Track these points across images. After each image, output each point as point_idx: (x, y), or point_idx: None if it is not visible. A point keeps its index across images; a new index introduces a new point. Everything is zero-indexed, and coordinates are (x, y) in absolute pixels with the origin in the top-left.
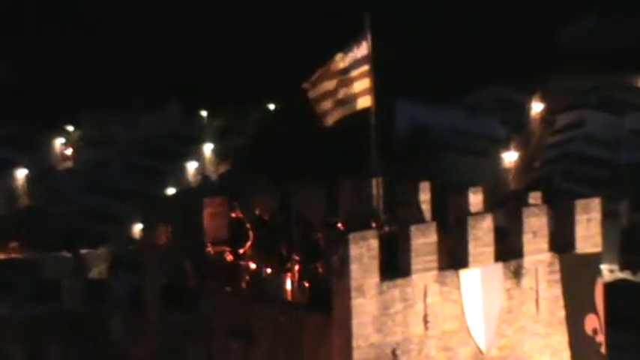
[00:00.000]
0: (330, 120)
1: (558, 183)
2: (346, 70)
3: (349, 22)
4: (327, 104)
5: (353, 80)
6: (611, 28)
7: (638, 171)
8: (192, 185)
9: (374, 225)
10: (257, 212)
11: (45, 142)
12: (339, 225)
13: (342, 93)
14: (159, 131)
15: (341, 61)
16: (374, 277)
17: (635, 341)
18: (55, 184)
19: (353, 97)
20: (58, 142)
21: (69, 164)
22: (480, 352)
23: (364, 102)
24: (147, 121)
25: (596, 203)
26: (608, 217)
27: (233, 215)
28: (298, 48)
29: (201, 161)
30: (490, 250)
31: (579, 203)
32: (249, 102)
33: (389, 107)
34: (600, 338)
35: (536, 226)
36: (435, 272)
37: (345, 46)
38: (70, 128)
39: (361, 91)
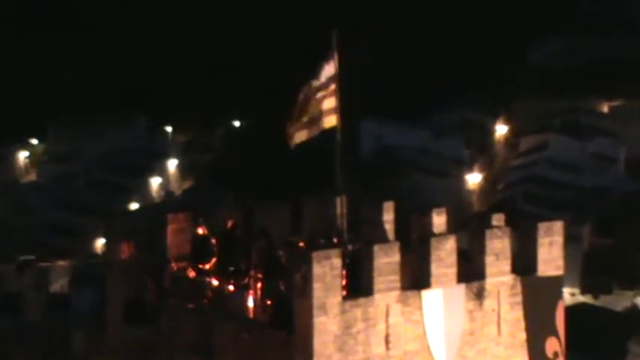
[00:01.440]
0: (296, 139)
1: (521, 205)
2: (316, 90)
3: (317, 42)
4: (296, 125)
5: (321, 100)
6: (578, 49)
7: (600, 195)
8: (156, 201)
9: (337, 244)
10: (221, 229)
11: (9, 155)
12: (302, 243)
13: (309, 113)
14: (123, 146)
15: (314, 81)
16: (336, 296)
17: None
18: (18, 198)
19: (320, 117)
20: (22, 155)
21: (32, 177)
22: None
23: (330, 121)
24: (112, 135)
25: (558, 226)
26: (571, 240)
27: (199, 231)
28: (265, 66)
29: (165, 177)
30: (453, 271)
31: (542, 226)
32: (213, 118)
33: (354, 126)
34: None
35: (498, 248)
36: (397, 292)
37: (317, 66)
38: (35, 142)
39: (328, 110)
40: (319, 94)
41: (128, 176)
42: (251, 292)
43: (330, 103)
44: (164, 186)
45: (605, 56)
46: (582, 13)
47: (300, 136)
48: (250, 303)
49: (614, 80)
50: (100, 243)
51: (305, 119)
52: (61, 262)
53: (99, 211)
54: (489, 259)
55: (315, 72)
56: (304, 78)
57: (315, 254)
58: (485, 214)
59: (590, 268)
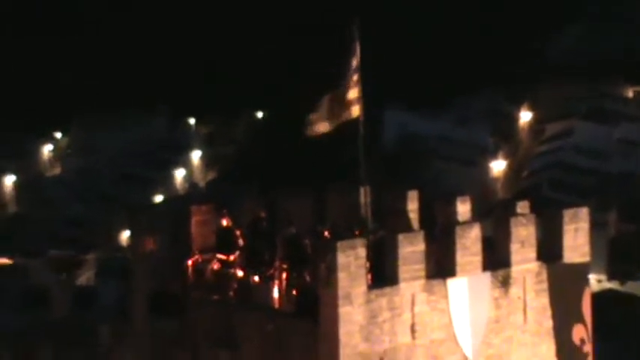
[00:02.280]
0: (321, 130)
1: (546, 192)
2: (341, 81)
3: (339, 31)
4: (321, 115)
5: (345, 90)
6: (599, 38)
7: (626, 181)
8: (180, 193)
9: (361, 233)
10: (246, 220)
11: (33, 149)
12: (326, 233)
13: (336, 104)
14: (147, 139)
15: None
16: (361, 286)
17: (622, 352)
18: (43, 192)
19: (345, 107)
20: (46, 149)
21: (57, 171)
22: None
23: (355, 111)
24: (135, 128)
25: (584, 213)
26: (596, 226)
27: (223, 223)
28: (288, 56)
29: (189, 169)
30: (478, 259)
31: (567, 213)
32: (237, 109)
33: (377, 116)
34: (587, 348)
35: (523, 235)
36: (422, 281)
37: (342, 57)
38: (59, 135)
39: (352, 101)
40: (347, 83)
41: (152, 169)
42: (276, 282)
43: (353, 93)
44: (188, 178)
45: (628, 44)
46: (602, 1)
47: (324, 126)
48: (275, 294)
49: (637, 66)
50: (124, 236)
51: (330, 110)
52: (86, 256)
53: (123, 204)
54: (515, 247)
55: (339, 62)
56: (325, 68)
57: (339, 244)
58: (510, 202)
59: (616, 254)
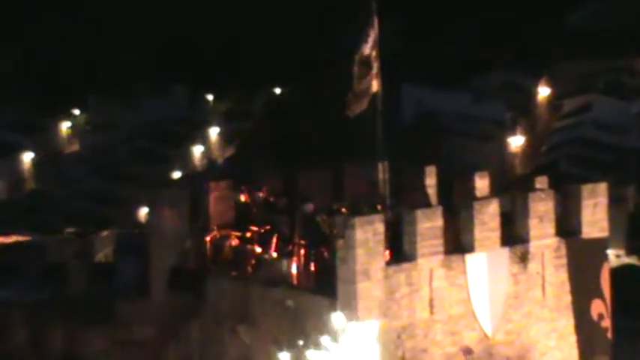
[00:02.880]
0: (357, 110)
1: (565, 168)
2: (365, 58)
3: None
4: (354, 94)
5: (368, 67)
6: (618, 11)
7: None
8: (198, 169)
9: (379, 209)
10: (263, 196)
11: (51, 126)
12: (344, 209)
13: (363, 82)
14: (164, 115)
15: (363, 49)
16: (379, 262)
17: None
18: (61, 168)
19: (369, 84)
20: (64, 125)
21: (75, 148)
22: (486, 336)
23: (374, 87)
24: (152, 105)
25: (602, 188)
26: (615, 202)
27: (241, 198)
28: (304, 32)
29: (207, 145)
30: (496, 234)
31: (586, 188)
32: (255, 85)
33: (395, 92)
34: (606, 323)
35: (542, 210)
36: (440, 257)
37: (363, 34)
38: (77, 112)
39: (373, 77)
40: (368, 59)
41: (170, 145)
42: (294, 259)
43: (374, 69)
44: (206, 154)
45: None
46: None
47: (361, 105)
48: (294, 269)
49: None
50: (142, 212)
51: (359, 88)
52: (104, 232)
53: (141, 181)
54: (533, 222)
55: (361, 40)
56: (345, 44)
57: (357, 220)
58: (529, 177)
59: (635, 230)
